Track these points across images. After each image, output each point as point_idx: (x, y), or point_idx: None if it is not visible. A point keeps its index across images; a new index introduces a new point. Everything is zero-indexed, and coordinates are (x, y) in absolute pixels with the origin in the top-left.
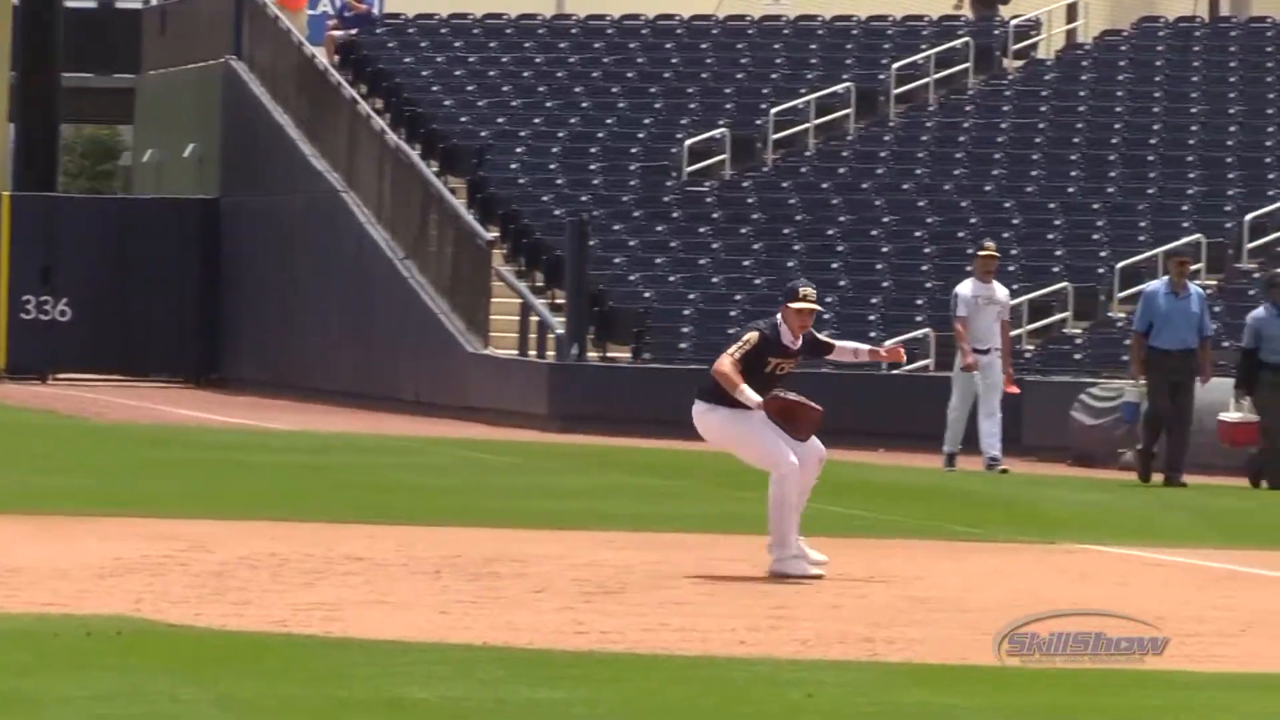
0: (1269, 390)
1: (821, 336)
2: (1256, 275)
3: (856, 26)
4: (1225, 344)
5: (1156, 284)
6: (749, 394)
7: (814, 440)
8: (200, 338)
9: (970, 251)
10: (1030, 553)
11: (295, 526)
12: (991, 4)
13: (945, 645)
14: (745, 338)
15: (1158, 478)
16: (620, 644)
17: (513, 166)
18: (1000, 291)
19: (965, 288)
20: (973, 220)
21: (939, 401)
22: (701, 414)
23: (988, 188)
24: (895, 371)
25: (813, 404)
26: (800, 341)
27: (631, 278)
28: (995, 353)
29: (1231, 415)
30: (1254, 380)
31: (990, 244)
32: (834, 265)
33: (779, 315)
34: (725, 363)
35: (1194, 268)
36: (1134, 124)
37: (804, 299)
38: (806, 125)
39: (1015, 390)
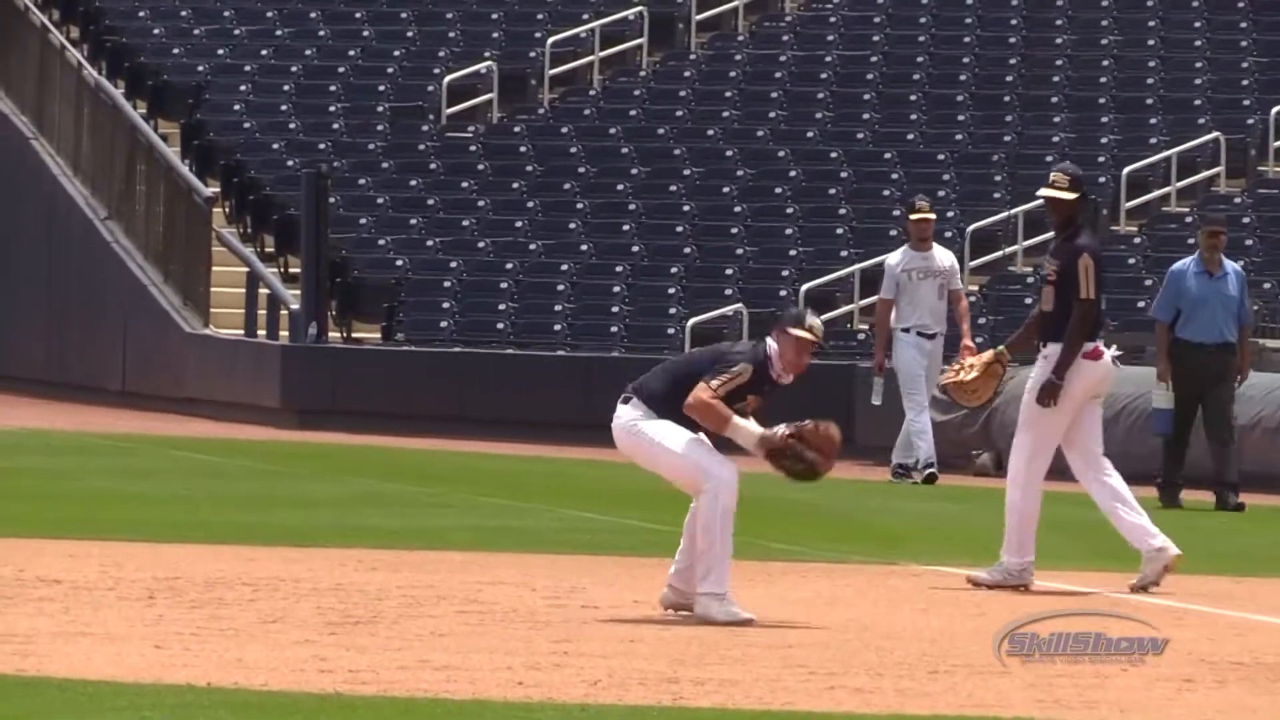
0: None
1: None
2: (1137, 241)
3: None
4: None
5: (1185, 261)
6: (750, 429)
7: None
8: None
9: (790, 211)
10: (863, 575)
11: None
12: None
13: (763, 687)
14: (735, 369)
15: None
16: (372, 685)
17: (236, 108)
18: (942, 259)
19: (895, 257)
20: (793, 173)
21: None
22: (634, 418)
23: (810, 134)
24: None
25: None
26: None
27: (380, 242)
28: (942, 336)
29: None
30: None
31: (924, 203)
32: (625, 227)
33: (770, 341)
34: (705, 395)
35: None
36: (986, 57)
37: (810, 329)
38: (590, 58)
39: None
